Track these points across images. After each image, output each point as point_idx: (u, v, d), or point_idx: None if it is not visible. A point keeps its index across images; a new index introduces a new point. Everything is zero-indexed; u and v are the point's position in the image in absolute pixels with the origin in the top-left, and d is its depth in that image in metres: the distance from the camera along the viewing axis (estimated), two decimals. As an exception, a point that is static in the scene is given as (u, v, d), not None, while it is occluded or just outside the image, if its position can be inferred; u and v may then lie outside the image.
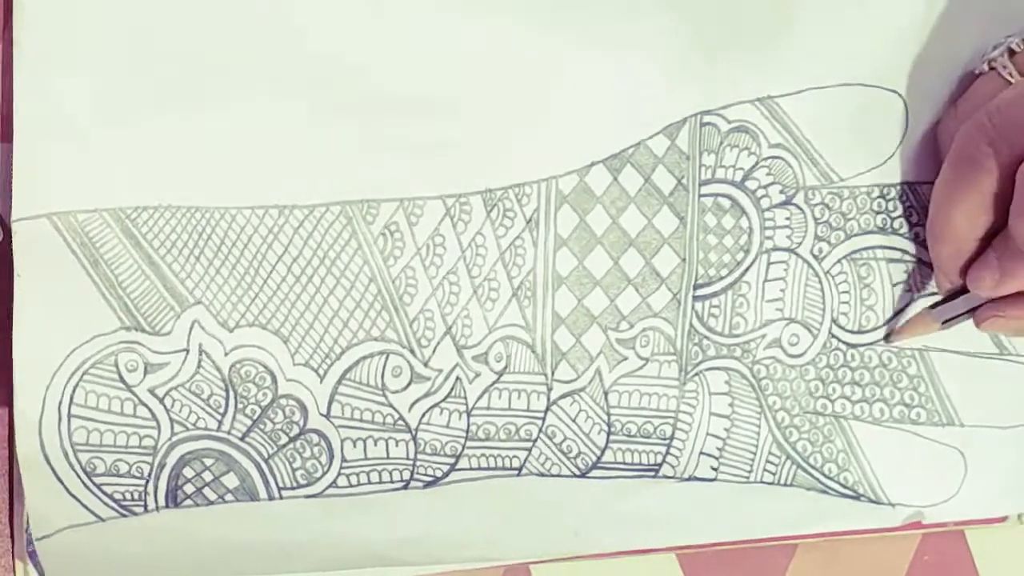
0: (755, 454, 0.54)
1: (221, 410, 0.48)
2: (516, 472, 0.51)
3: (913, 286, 0.55)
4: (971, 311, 0.53)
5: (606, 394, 0.52)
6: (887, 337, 0.55)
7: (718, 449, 0.53)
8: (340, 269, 0.49)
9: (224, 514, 0.48)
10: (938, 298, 0.55)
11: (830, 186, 0.54)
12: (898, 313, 0.55)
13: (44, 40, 0.46)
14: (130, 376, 0.47)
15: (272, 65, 0.48)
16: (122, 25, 0.46)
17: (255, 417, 0.48)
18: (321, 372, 0.49)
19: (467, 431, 0.51)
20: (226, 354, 0.48)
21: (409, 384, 0.50)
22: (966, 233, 0.50)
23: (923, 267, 0.55)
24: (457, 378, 0.51)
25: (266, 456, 0.49)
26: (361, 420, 0.50)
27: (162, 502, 0.48)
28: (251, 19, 0.48)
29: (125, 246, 0.47)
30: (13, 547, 0.48)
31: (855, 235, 0.55)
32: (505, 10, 0.50)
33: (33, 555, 0.47)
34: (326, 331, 0.49)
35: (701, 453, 0.53)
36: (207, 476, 0.48)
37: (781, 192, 0.54)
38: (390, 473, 0.50)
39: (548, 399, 0.52)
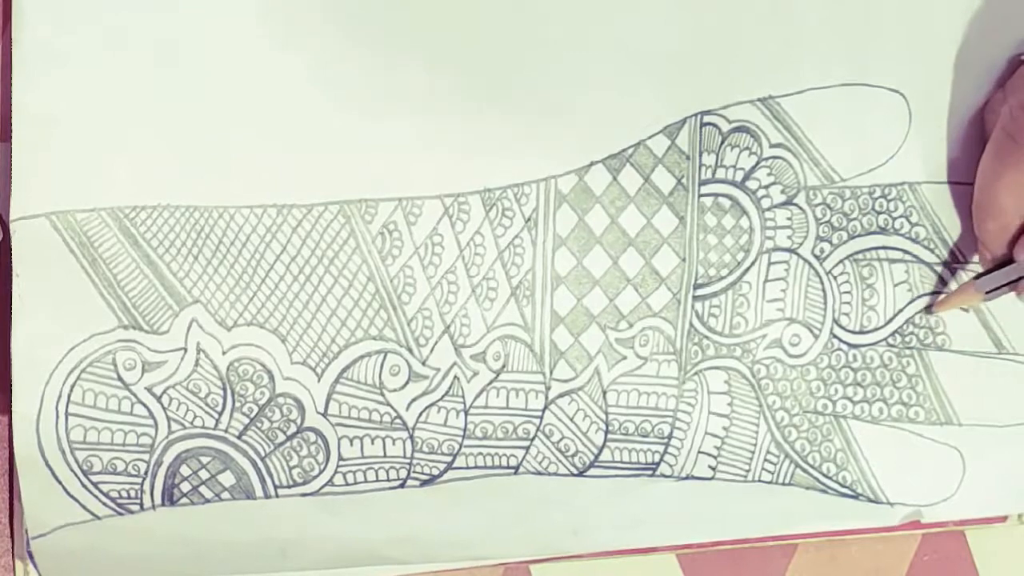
0: (753, 453, 0.54)
1: (218, 408, 0.48)
2: (513, 471, 0.52)
3: (915, 286, 0.55)
4: (1013, 283, 0.53)
5: (604, 393, 0.52)
6: (928, 308, 0.55)
7: (716, 448, 0.53)
8: (338, 268, 0.49)
9: (220, 512, 0.48)
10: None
11: (832, 186, 0.54)
12: (899, 313, 0.55)
13: (43, 40, 0.46)
14: (128, 374, 0.47)
15: (270, 65, 0.48)
16: (121, 26, 0.47)
17: (252, 415, 0.49)
18: (319, 371, 0.49)
19: (464, 430, 0.51)
20: (224, 353, 0.48)
21: (407, 383, 0.50)
22: (1011, 209, 0.51)
23: (925, 267, 0.55)
24: (455, 377, 0.51)
25: (263, 454, 0.49)
26: (358, 419, 0.50)
27: (158, 500, 0.48)
28: (249, 19, 0.48)
29: (123, 245, 0.47)
30: (13, 547, 0.49)
31: (857, 235, 0.54)
32: (504, 9, 0.50)
33: (33, 555, 0.47)
34: (324, 330, 0.49)
35: (699, 452, 0.53)
36: (203, 474, 0.48)
37: (782, 192, 0.53)
38: (387, 471, 0.50)
39: (546, 398, 0.52)
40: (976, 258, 0.55)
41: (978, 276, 0.54)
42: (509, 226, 0.51)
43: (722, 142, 0.53)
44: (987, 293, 0.53)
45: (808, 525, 0.55)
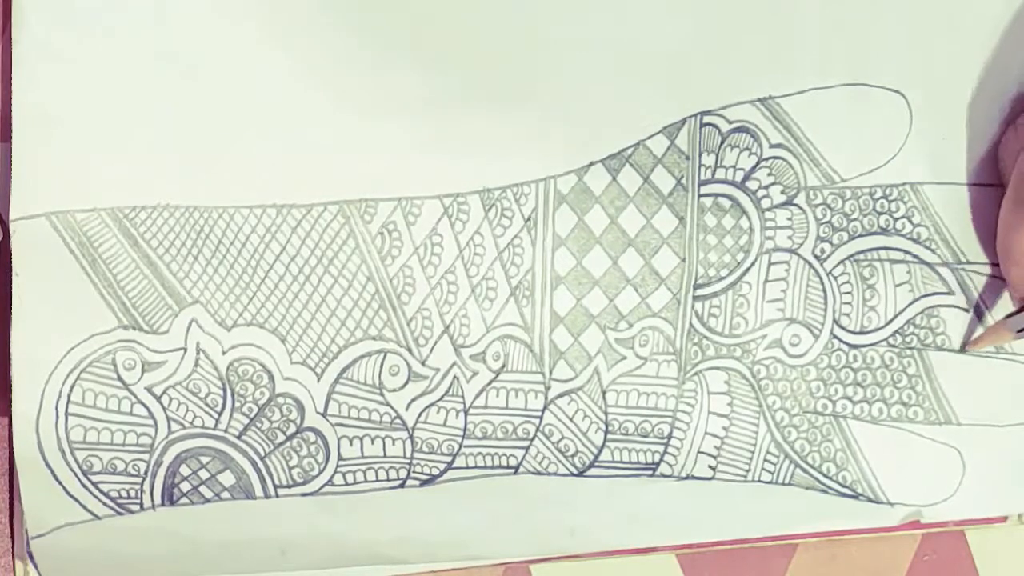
0: (753, 453, 0.54)
1: (218, 408, 0.48)
2: (513, 471, 0.52)
3: (916, 287, 0.55)
4: None
5: (604, 393, 0.52)
6: (962, 348, 0.55)
7: (716, 448, 0.53)
8: (338, 268, 0.49)
9: (220, 512, 0.49)
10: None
11: (832, 186, 0.54)
12: (900, 314, 0.55)
13: (43, 40, 0.46)
14: (128, 374, 0.48)
15: (270, 64, 0.48)
16: (121, 25, 0.47)
17: (252, 415, 0.49)
18: (318, 371, 0.49)
19: (464, 430, 0.51)
20: (224, 353, 0.48)
21: (407, 383, 0.50)
22: None
23: (925, 268, 0.55)
24: (455, 377, 0.51)
25: (263, 454, 0.49)
26: (358, 419, 0.50)
27: (158, 500, 0.48)
28: (249, 19, 0.48)
29: (123, 245, 0.47)
30: (13, 547, 0.49)
31: (858, 236, 0.54)
32: (504, 9, 0.50)
33: (33, 555, 0.47)
34: (324, 330, 0.49)
35: (699, 452, 0.53)
36: (203, 474, 0.48)
37: (782, 192, 0.53)
38: (387, 471, 0.50)
39: (546, 398, 0.52)
40: (978, 259, 0.55)
41: (1009, 315, 0.54)
42: (508, 226, 0.51)
43: (722, 142, 0.53)
44: (1018, 332, 0.53)
45: (808, 525, 0.55)
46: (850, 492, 0.55)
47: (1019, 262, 0.52)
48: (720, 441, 0.54)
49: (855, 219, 0.54)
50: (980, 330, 0.56)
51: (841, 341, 0.55)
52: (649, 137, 0.52)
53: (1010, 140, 0.54)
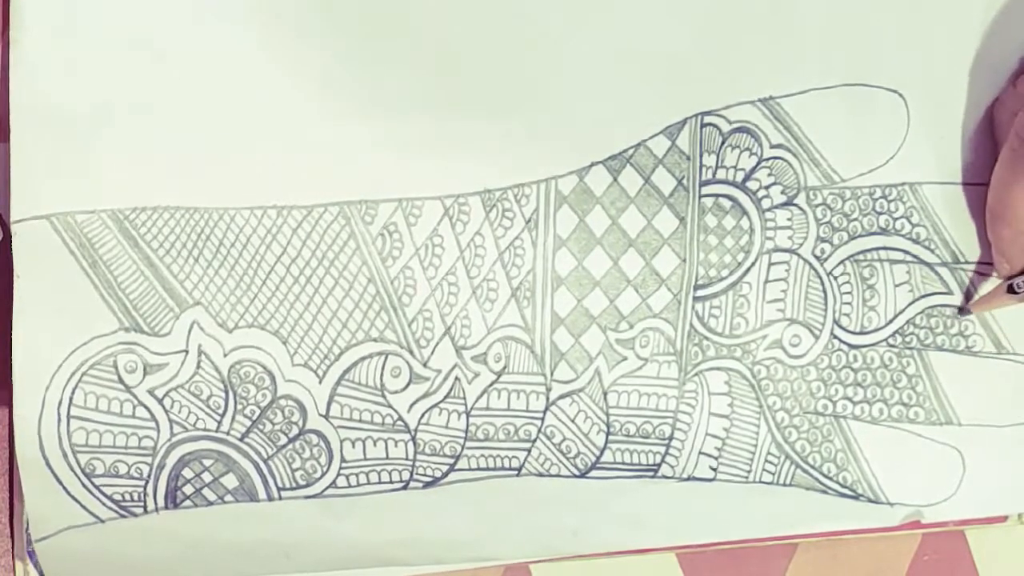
0: (754, 454, 0.54)
1: (220, 411, 0.48)
2: (515, 472, 0.51)
3: (916, 287, 0.55)
4: None
5: (605, 394, 0.52)
6: (961, 309, 0.55)
7: (717, 449, 0.53)
8: (339, 269, 0.49)
9: (223, 515, 0.48)
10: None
11: (832, 187, 0.54)
12: (899, 314, 0.55)
13: (42, 40, 0.46)
14: (129, 377, 0.47)
15: (270, 66, 0.48)
16: (120, 25, 0.47)
17: (254, 418, 0.48)
18: (320, 373, 0.49)
19: (466, 431, 0.51)
20: (225, 355, 0.48)
21: (408, 384, 0.50)
22: None
23: (925, 268, 0.55)
24: (456, 378, 0.51)
25: (265, 457, 0.49)
26: (360, 420, 0.50)
27: (161, 503, 0.48)
28: (250, 20, 0.48)
29: (124, 247, 0.47)
30: (13, 547, 0.48)
31: (858, 236, 0.55)
32: (504, 10, 0.50)
33: (33, 555, 0.47)
34: (325, 332, 0.49)
35: (700, 453, 0.53)
36: (206, 477, 0.48)
37: (783, 193, 0.53)
38: (389, 473, 0.50)
39: (547, 399, 0.52)
40: (977, 258, 0.56)
41: (1009, 278, 0.54)
42: (509, 227, 0.51)
43: (722, 143, 0.53)
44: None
45: (809, 526, 0.55)
46: (850, 492, 0.55)
47: (1011, 222, 0.51)
48: (721, 442, 0.54)
49: (855, 219, 0.54)
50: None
51: (841, 341, 0.55)
52: (650, 137, 0.52)
53: (1007, 99, 0.54)
